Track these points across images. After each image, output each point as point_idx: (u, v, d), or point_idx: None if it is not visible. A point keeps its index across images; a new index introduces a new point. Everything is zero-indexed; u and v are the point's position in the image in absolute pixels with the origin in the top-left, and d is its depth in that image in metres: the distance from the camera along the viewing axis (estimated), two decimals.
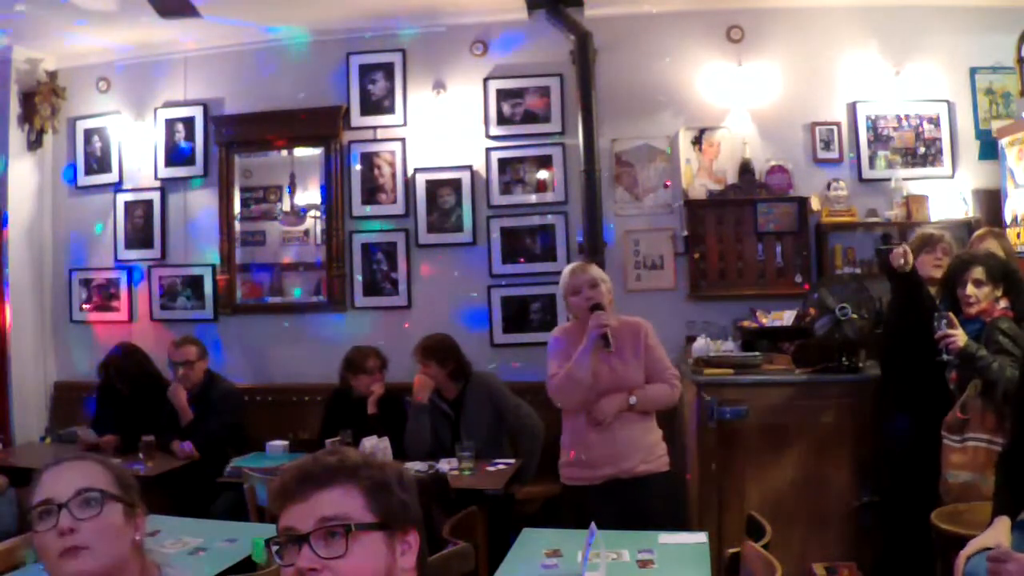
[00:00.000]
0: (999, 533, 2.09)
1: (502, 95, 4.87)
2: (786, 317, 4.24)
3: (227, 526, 3.02)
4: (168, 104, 5.21)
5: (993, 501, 2.30)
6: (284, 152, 5.16)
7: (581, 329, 3.11)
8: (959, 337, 2.87)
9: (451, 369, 3.96)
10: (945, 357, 2.94)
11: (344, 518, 1.20)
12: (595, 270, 3.19)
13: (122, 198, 5.25)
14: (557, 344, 3.19)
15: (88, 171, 5.32)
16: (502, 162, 4.87)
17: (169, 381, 4.36)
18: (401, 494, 1.27)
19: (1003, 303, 2.99)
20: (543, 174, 4.86)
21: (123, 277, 5.24)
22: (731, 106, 4.71)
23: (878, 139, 4.68)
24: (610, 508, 2.94)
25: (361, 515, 1.21)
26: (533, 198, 4.86)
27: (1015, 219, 4.09)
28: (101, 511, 1.48)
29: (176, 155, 5.19)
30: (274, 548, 1.22)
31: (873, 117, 4.67)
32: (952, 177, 4.62)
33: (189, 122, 5.16)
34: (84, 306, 5.29)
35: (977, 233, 3.68)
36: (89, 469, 1.54)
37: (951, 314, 2.93)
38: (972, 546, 2.09)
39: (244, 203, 5.15)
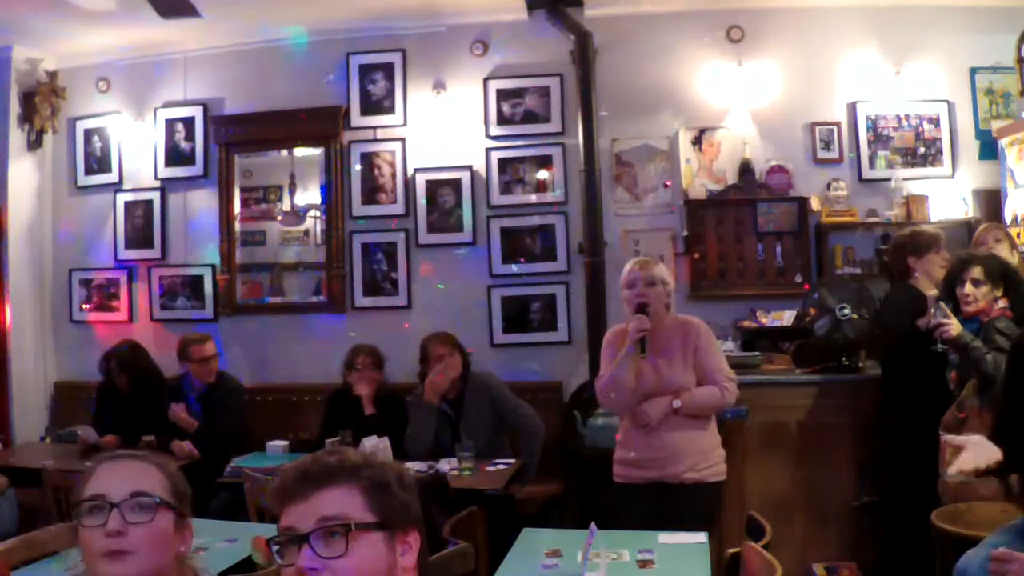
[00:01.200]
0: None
1: (502, 95, 4.87)
2: (786, 317, 4.24)
3: (227, 526, 3.01)
4: (168, 104, 5.21)
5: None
6: (284, 152, 5.15)
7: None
8: (953, 326, 2.87)
9: (464, 362, 3.98)
10: (939, 347, 2.94)
11: (344, 518, 1.20)
12: (658, 269, 3.08)
13: (122, 198, 5.25)
14: (609, 345, 3.14)
15: (88, 171, 5.32)
16: (502, 162, 4.87)
17: (167, 381, 4.37)
18: (401, 494, 1.27)
19: (1002, 303, 2.99)
20: (543, 174, 4.86)
21: (123, 277, 5.24)
22: (731, 106, 4.71)
23: (878, 139, 4.68)
24: (648, 511, 2.90)
25: (361, 515, 1.21)
26: (533, 198, 4.86)
27: (1015, 219, 4.09)
28: (153, 518, 1.42)
29: (176, 155, 5.19)
30: (274, 548, 1.22)
31: (873, 117, 4.67)
32: (952, 177, 4.62)
33: (189, 122, 5.16)
34: (84, 306, 5.29)
35: (982, 227, 3.68)
36: (148, 471, 1.48)
37: (943, 304, 2.93)
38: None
39: (244, 203, 5.15)
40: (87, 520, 1.41)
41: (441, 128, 4.89)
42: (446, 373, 3.88)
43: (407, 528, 1.27)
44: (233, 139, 5.08)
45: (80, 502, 1.43)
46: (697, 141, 4.75)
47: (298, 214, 5.09)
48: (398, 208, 4.95)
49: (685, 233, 4.69)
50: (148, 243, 5.20)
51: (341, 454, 1.28)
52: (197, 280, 5.14)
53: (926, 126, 4.66)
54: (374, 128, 4.99)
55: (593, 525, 2.24)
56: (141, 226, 5.21)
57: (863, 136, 4.67)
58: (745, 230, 4.66)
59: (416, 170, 4.93)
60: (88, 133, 5.32)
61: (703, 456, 3.00)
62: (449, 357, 3.93)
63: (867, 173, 4.67)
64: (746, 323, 4.38)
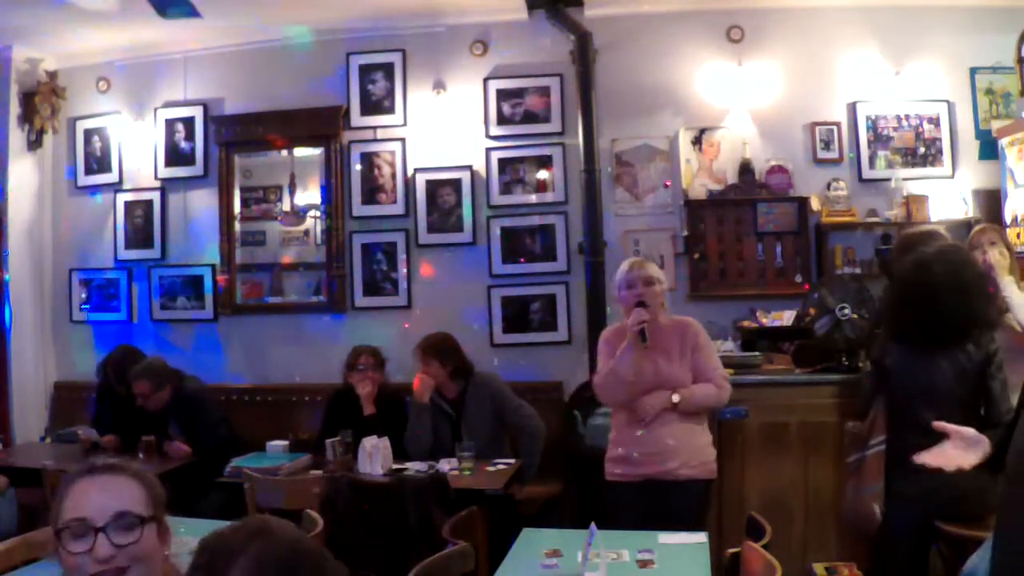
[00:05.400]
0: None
1: (502, 95, 4.87)
2: (786, 317, 4.24)
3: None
4: (168, 104, 5.21)
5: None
6: (284, 152, 5.15)
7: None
8: None
9: (452, 368, 3.95)
10: None
11: None
12: (653, 268, 3.15)
13: (122, 198, 5.25)
14: (606, 343, 3.18)
15: (88, 171, 5.32)
16: (502, 162, 4.86)
17: None
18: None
19: None
20: (543, 174, 4.86)
21: (123, 277, 5.24)
22: (731, 106, 4.71)
23: (878, 139, 4.68)
24: (646, 508, 2.93)
25: None
26: (533, 198, 4.86)
27: (1015, 219, 4.09)
28: (140, 537, 1.39)
29: (176, 155, 5.19)
30: None
31: (873, 117, 4.68)
32: (952, 177, 4.63)
33: (189, 122, 5.17)
34: (84, 306, 5.29)
35: (977, 228, 3.67)
36: (126, 486, 1.43)
37: None
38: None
39: (244, 203, 5.15)
40: (71, 546, 1.35)
41: (441, 128, 4.89)
42: (422, 378, 3.90)
43: None
44: (233, 139, 5.08)
45: (61, 527, 1.37)
46: (697, 141, 4.75)
47: (298, 214, 5.09)
48: (398, 208, 4.95)
49: (685, 233, 4.69)
50: (148, 243, 5.20)
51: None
52: (197, 280, 5.14)
53: (926, 126, 4.66)
54: (374, 128, 4.99)
55: (593, 525, 2.24)
56: (141, 226, 5.21)
57: (863, 136, 4.68)
58: (745, 230, 4.66)
59: (416, 170, 4.93)
60: (88, 133, 5.32)
61: (695, 453, 3.04)
62: (425, 366, 3.93)
63: (867, 173, 4.67)
64: (746, 323, 4.38)
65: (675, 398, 3.02)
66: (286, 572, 1.10)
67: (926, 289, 2.73)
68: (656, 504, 2.96)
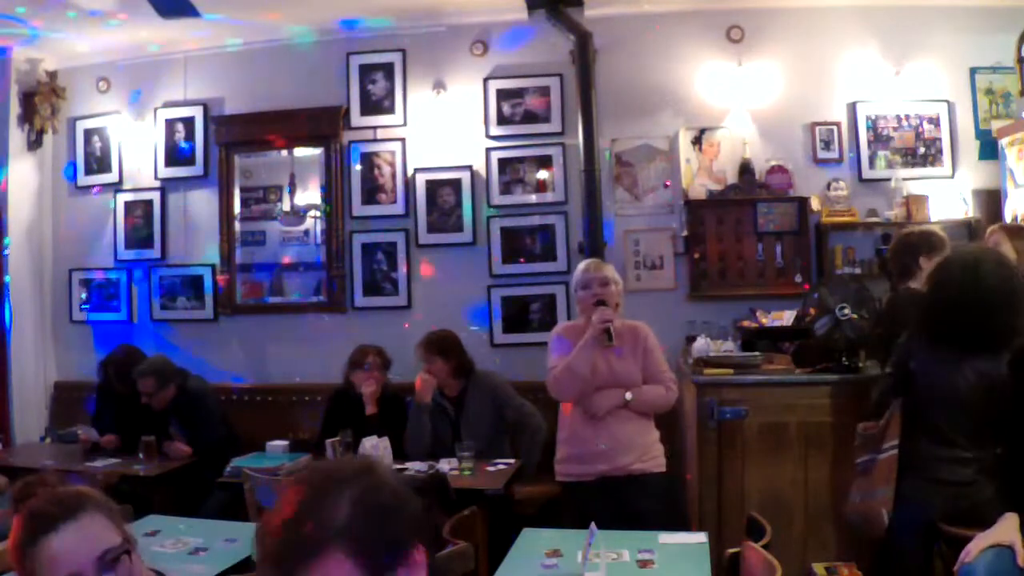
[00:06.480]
0: (1009, 530, 2.07)
1: (502, 95, 4.88)
2: (786, 317, 4.23)
3: (227, 526, 3.02)
4: (168, 104, 5.21)
5: (1000, 502, 2.30)
6: (284, 152, 5.16)
7: (585, 327, 3.17)
8: None
9: (455, 365, 3.97)
10: None
11: None
12: (609, 270, 3.26)
13: (122, 198, 5.25)
14: (560, 339, 3.24)
15: (88, 171, 5.33)
16: (502, 162, 4.87)
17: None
18: (395, 524, 1.09)
19: None
20: (543, 174, 4.86)
21: (123, 277, 5.24)
22: (731, 106, 4.71)
23: (878, 139, 4.68)
24: (606, 506, 2.96)
25: None
26: (533, 198, 4.86)
27: (1015, 219, 4.09)
28: (130, 565, 1.41)
29: (176, 155, 5.19)
30: None
31: (873, 117, 4.68)
32: (952, 177, 4.63)
33: (189, 122, 5.17)
34: (84, 306, 5.29)
35: (990, 229, 3.66)
36: (95, 521, 1.41)
37: None
38: (982, 541, 2.07)
39: (244, 203, 5.16)
40: None
41: (441, 128, 4.89)
42: (424, 378, 3.91)
43: (407, 554, 1.09)
44: (233, 139, 5.08)
45: None
46: (697, 141, 4.76)
47: (298, 214, 5.09)
48: (398, 208, 4.95)
49: (685, 233, 4.69)
50: (148, 243, 5.20)
51: (317, 517, 1.05)
52: (197, 280, 5.14)
53: (926, 126, 4.66)
54: (374, 128, 5.00)
55: (593, 525, 2.24)
56: (141, 226, 5.21)
57: (863, 136, 4.68)
58: (745, 230, 4.67)
59: (416, 170, 4.93)
60: (88, 133, 5.32)
61: (646, 449, 3.17)
62: (428, 362, 3.94)
63: (867, 173, 4.67)
64: (746, 323, 4.38)
65: (628, 396, 3.13)
66: (393, 501, 1.10)
67: (983, 294, 2.64)
68: (614, 502, 2.99)
